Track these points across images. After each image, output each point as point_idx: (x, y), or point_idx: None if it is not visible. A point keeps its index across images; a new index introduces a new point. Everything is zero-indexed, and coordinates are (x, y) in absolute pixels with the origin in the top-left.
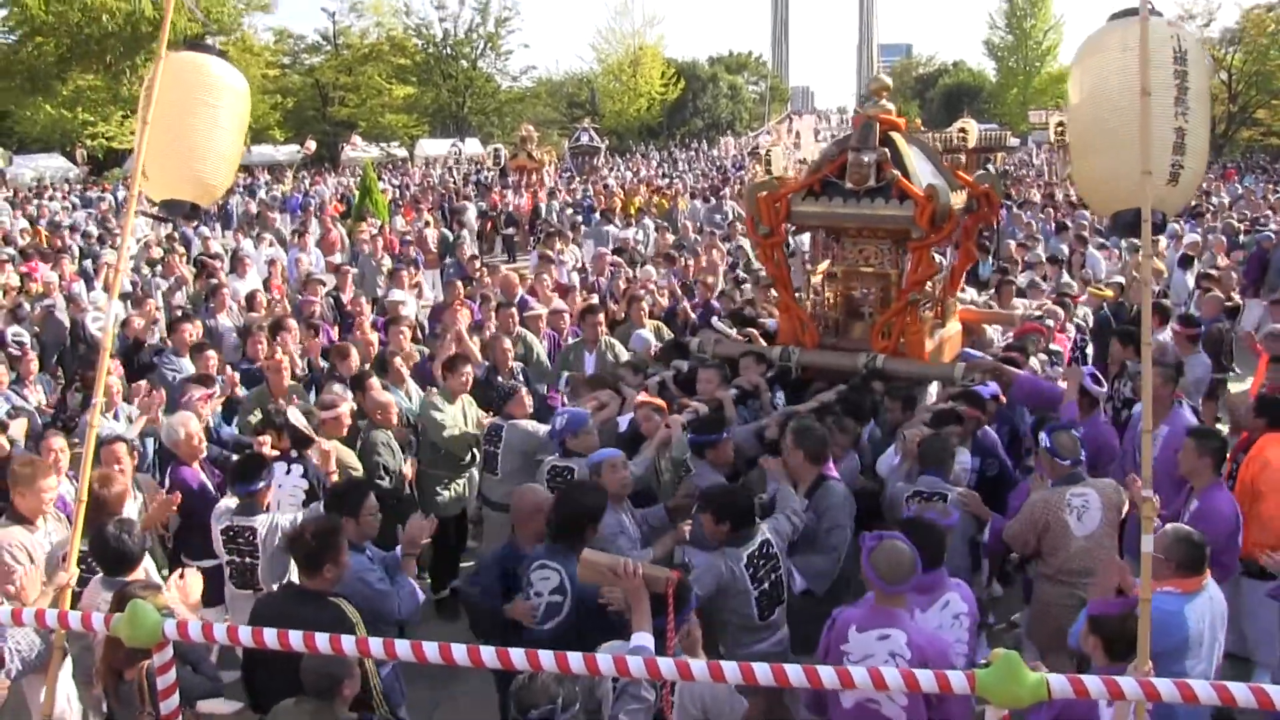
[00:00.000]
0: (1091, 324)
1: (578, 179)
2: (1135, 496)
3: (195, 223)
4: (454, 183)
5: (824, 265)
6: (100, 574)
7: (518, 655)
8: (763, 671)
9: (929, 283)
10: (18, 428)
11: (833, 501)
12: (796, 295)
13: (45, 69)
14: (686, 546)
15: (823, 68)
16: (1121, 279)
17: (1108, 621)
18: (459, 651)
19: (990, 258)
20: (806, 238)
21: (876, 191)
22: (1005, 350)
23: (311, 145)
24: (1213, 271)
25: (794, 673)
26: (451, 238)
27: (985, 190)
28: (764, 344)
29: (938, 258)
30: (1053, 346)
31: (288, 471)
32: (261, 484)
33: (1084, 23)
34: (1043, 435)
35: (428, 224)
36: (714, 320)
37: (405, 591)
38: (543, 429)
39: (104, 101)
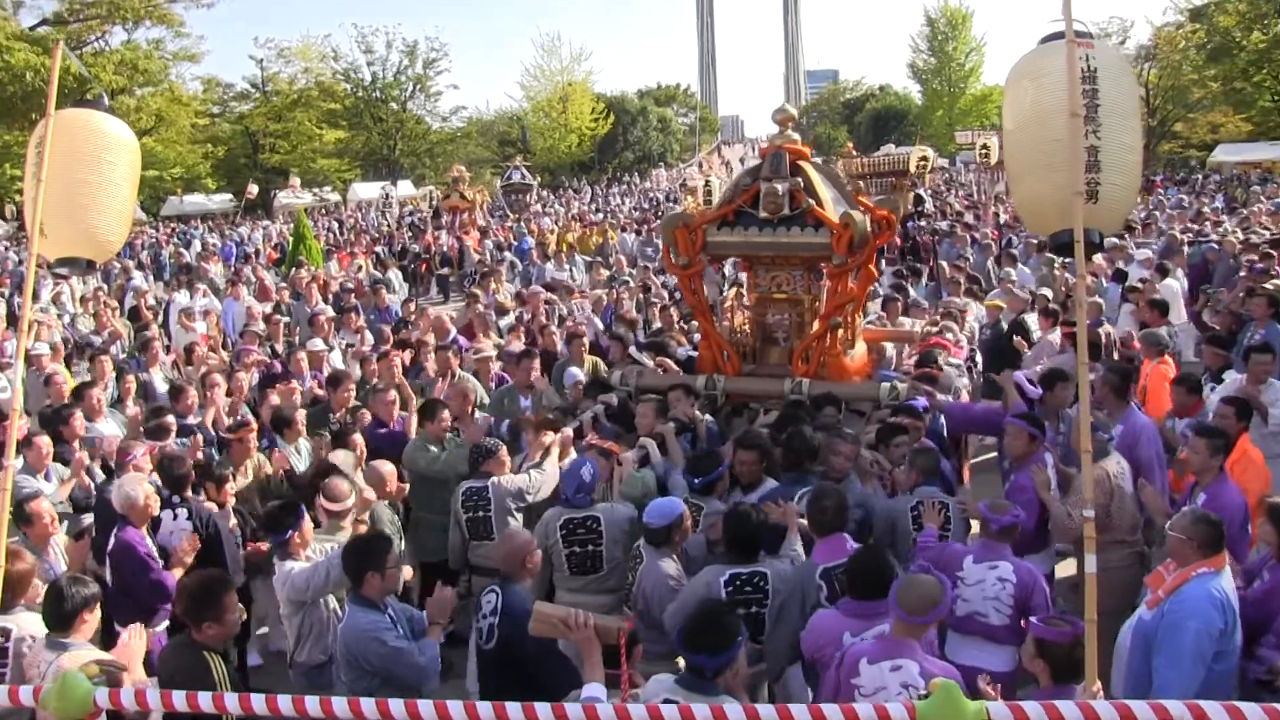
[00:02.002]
0: (989, 336)
1: (511, 217)
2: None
3: (89, 275)
4: (388, 225)
5: (731, 293)
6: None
7: (456, 709)
8: (702, 713)
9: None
10: None
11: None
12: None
13: None
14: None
15: (751, 96)
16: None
17: (1055, 647)
18: (396, 706)
19: (925, 280)
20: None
21: (790, 220)
22: (916, 366)
23: (254, 189)
24: (1138, 285)
25: (767, 712)
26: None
27: (885, 214)
28: (678, 371)
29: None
30: (952, 360)
31: (174, 517)
32: (290, 532)
33: (1005, 43)
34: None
35: (360, 268)
36: (632, 350)
37: (429, 654)
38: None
39: None
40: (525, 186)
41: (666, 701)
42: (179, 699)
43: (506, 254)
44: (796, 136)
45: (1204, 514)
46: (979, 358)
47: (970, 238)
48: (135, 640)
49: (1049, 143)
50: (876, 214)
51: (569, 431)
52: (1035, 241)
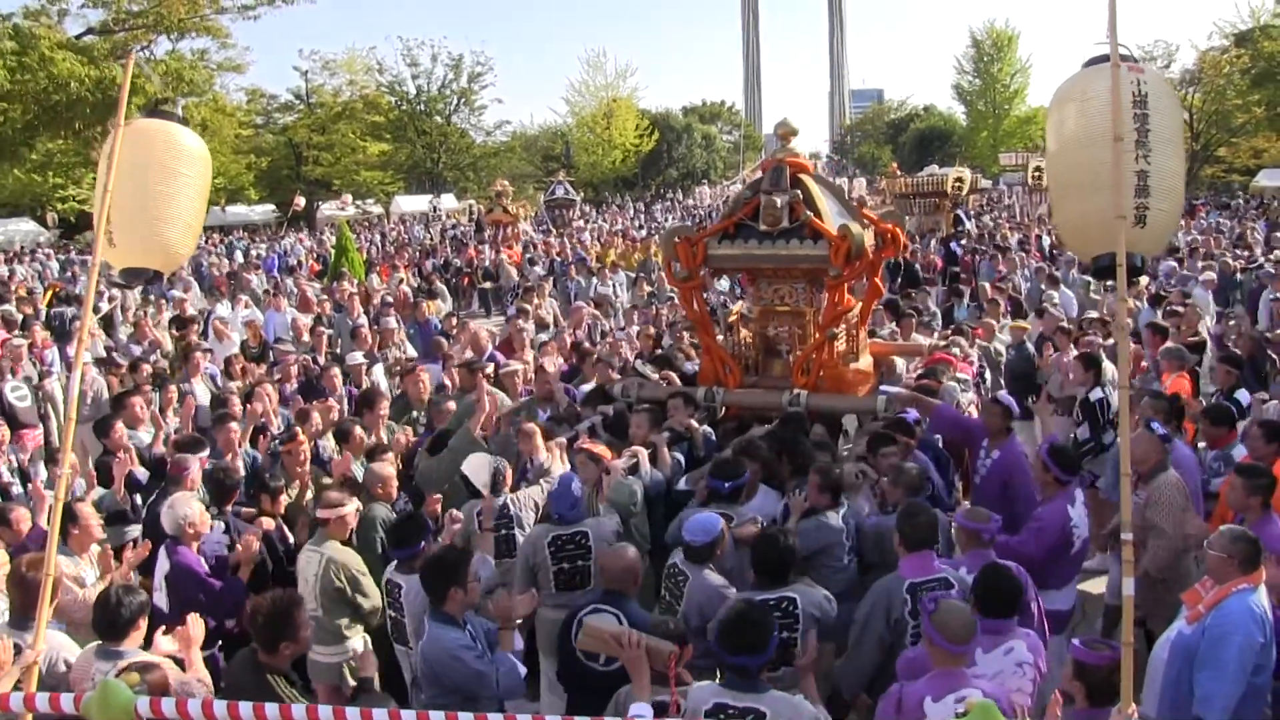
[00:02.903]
0: (1013, 357)
1: (554, 232)
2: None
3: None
4: (430, 239)
5: (738, 306)
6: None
7: None
8: None
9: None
10: None
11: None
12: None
13: (12, 136)
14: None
15: (795, 115)
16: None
17: (1094, 670)
18: (437, 717)
19: (966, 300)
20: None
21: (790, 232)
22: (918, 379)
23: (300, 201)
24: (1178, 309)
25: None
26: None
27: (890, 228)
28: (681, 385)
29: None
30: (959, 375)
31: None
32: (421, 546)
33: (1051, 65)
34: (1155, 426)
35: (402, 281)
36: (637, 363)
37: (504, 669)
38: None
39: (74, 165)
40: (568, 202)
41: (716, 707)
42: (220, 709)
43: (537, 268)
44: (799, 150)
45: (1242, 531)
46: (988, 375)
47: (1019, 259)
48: (193, 630)
49: (1095, 165)
50: (880, 227)
51: (563, 440)
52: (1073, 260)
